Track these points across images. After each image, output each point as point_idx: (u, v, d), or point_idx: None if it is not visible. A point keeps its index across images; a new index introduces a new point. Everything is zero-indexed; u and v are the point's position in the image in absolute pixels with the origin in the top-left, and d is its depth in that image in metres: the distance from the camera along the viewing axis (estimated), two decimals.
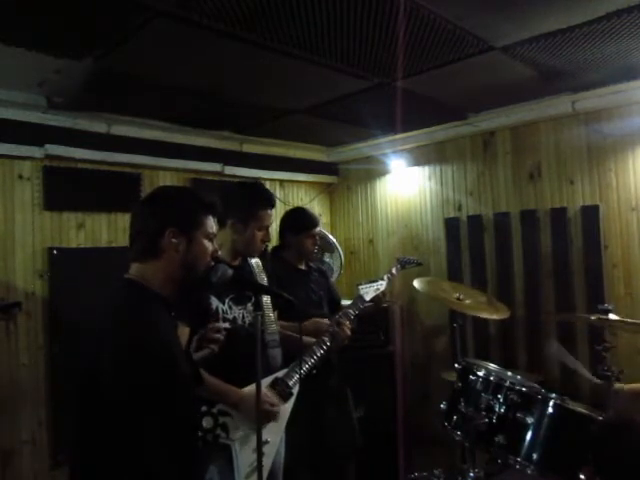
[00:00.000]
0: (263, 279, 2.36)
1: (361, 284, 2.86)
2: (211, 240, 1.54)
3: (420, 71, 2.71)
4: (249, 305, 2.23)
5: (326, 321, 2.56)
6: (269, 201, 2.28)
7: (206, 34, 2.16)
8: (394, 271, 3.08)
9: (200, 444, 1.77)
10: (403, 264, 3.20)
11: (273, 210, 2.29)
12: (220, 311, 2.14)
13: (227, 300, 2.18)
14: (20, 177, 2.97)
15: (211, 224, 1.54)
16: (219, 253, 1.60)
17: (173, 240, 1.44)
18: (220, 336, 1.82)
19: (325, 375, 2.70)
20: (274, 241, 4.04)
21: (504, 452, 2.17)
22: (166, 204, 1.50)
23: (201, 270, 1.53)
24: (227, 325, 1.98)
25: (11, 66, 2.46)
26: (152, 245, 1.44)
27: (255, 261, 2.40)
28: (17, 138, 2.90)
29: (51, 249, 3.03)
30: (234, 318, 2.17)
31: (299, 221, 2.89)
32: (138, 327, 1.31)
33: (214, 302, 2.14)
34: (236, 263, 2.25)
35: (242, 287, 2.17)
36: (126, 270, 1.49)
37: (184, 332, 2.02)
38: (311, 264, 2.98)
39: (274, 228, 4.15)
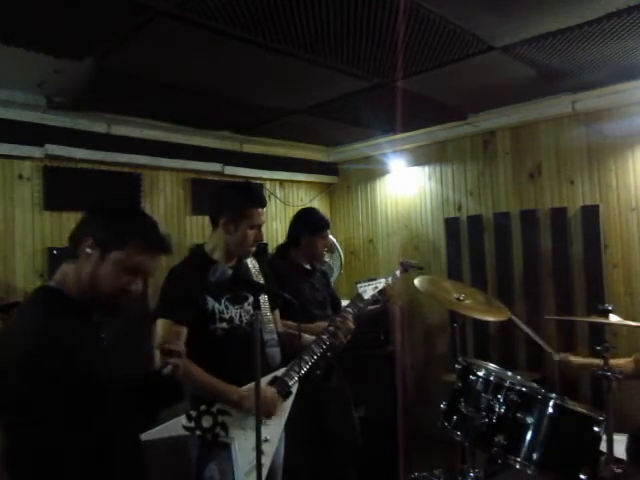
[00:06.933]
0: (260, 279, 2.36)
1: (360, 283, 2.85)
2: (135, 272, 1.47)
3: (420, 71, 2.71)
4: (246, 305, 2.22)
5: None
6: (259, 200, 2.27)
7: (206, 34, 2.16)
8: (398, 274, 3.07)
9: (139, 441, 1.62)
10: (406, 267, 3.19)
11: (264, 209, 2.27)
12: (216, 311, 2.15)
13: (223, 300, 2.18)
14: (20, 177, 2.97)
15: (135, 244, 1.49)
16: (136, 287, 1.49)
17: (87, 250, 1.45)
18: (175, 361, 1.57)
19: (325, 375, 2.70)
20: (273, 241, 4.09)
21: (504, 452, 2.17)
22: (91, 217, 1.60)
23: (107, 294, 1.45)
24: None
25: (11, 66, 2.47)
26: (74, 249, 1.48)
27: (251, 262, 2.39)
28: (17, 138, 2.90)
29: (51, 249, 3.02)
30: (231, 318, 2.17)
31: (314, 221, 2.87)
32: (32, 328, 1.33)
33: (210, 302, 2.14)
34: (231, 264, 2.24)
35: (242, 287, 2.18)
36: None
37: (172, 330, 2.03)
38: (315, 264, 2.98)
39: (279, 230, 4.29)
